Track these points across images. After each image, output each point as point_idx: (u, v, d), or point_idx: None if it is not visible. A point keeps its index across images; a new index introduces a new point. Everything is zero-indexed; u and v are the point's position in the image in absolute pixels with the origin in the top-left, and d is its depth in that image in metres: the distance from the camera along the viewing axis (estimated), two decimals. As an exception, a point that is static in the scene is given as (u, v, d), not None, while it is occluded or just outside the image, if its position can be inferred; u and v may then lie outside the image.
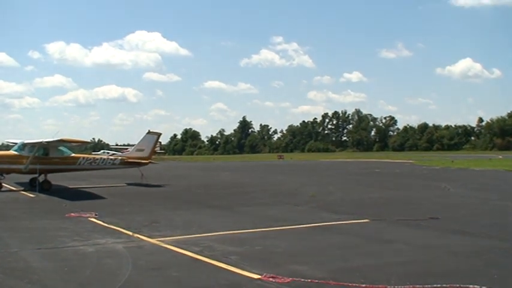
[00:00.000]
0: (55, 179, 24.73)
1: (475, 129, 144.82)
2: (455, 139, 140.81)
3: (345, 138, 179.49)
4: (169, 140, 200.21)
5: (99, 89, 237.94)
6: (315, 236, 11.58)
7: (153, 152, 30.56)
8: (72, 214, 14.85)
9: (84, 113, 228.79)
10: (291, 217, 14.45)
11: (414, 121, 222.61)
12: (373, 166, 50.57)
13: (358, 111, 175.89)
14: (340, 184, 27.09)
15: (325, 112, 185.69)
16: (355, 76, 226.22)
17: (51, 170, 23.85)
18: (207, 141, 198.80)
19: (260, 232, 11.98)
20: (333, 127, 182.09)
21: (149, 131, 28.53)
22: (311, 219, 13.78)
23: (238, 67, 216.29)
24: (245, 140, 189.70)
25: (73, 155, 24.90)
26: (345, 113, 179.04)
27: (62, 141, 22.73)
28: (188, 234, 11.49)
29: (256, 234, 11.76)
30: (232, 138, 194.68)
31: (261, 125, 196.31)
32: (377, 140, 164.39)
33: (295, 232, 12.08)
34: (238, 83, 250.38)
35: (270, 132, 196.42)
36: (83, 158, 25.24)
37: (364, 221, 13.68)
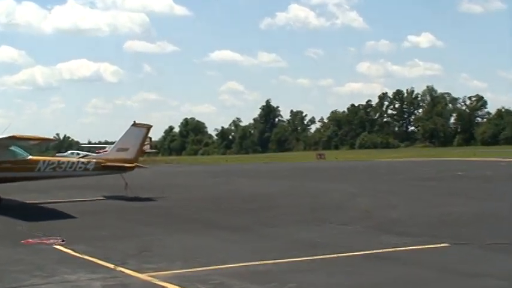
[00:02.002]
0: (6, 191, 25.10)
1: None
2: None
3: (412, 128, 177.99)
4: (163, 134, 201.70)
5: (64, 66, 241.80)
6: (369, 269, 11.56)
7: (141, 152, 30.67)
8: (31, 240, 15.01)
9: (44, 99, 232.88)
10: (335, 241, 14.47)
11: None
12: (454, 167, 49.96)
13: (430, 90, 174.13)
14: (407, 194, 27.03)
15: (384, 92, 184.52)
16: (424, 39, 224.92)
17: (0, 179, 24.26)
18: (216, 135, 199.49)
19: (292, 263, 12.01)
20: (394, 112, 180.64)
21: (135, 122, 28.74)
22: (365, 245, 13.81)
23: (257, 30, 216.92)
24: (270, 133, 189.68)
25: (30, 157, 25.16)
26: (412, 92, 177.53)
27: (14, 139, 22.98)
28: (192, 267, 11.56)
29: (287, 265, 11.80)
30: (252, 131, 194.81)
31: (292, 111, 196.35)
32: (459, 130, 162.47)
33: (341, 263, 12.08)
34: (259, 53, 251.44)
35: (306, 122, 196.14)
36: (44, 161, 25.45)
37: (442, 245, 13.65)
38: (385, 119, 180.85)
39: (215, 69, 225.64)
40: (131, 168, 28.03)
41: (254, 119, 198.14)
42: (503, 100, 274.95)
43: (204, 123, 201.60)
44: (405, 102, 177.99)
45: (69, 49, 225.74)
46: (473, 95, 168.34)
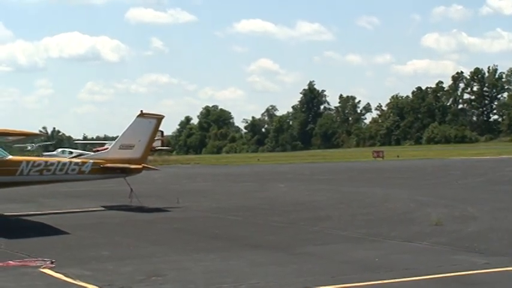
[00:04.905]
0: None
1: None
2: None
3: (495, 117, 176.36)
4: (177, 127, 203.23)
5: (52, 41, 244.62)
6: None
7: (150, 150, 30.73)
8: (11, 262, 15.05)
9: (27, 83, 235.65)
10: (397, 263, 14.50)
11: None
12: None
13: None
14: (489, 202, 26.95)
15: (458, 71, 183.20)
16: (509, 3, 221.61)
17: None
18: (245, 128, 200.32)
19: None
20: (472, 98, 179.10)
21: (142, 112, 28.85)
22: (436, 266, 13.83)
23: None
24: (313, 125, 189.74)
25: (10, 157, 25.44)
26: (495, 71, 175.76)
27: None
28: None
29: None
30: (291, 123, 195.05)
31: (341, 97, 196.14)
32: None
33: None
34: (297, 23, 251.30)
35: (359, 110, 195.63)
36: (28, 162, 25.64)
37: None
38: (460, 106, 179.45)
39: (242, 44, 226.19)
40: (137, 171, 28.20)
41: (293, 107, 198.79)
42: None
43: (229, 113, 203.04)
44: (486, 85, 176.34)
45: (58, 20, 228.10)
46: None
